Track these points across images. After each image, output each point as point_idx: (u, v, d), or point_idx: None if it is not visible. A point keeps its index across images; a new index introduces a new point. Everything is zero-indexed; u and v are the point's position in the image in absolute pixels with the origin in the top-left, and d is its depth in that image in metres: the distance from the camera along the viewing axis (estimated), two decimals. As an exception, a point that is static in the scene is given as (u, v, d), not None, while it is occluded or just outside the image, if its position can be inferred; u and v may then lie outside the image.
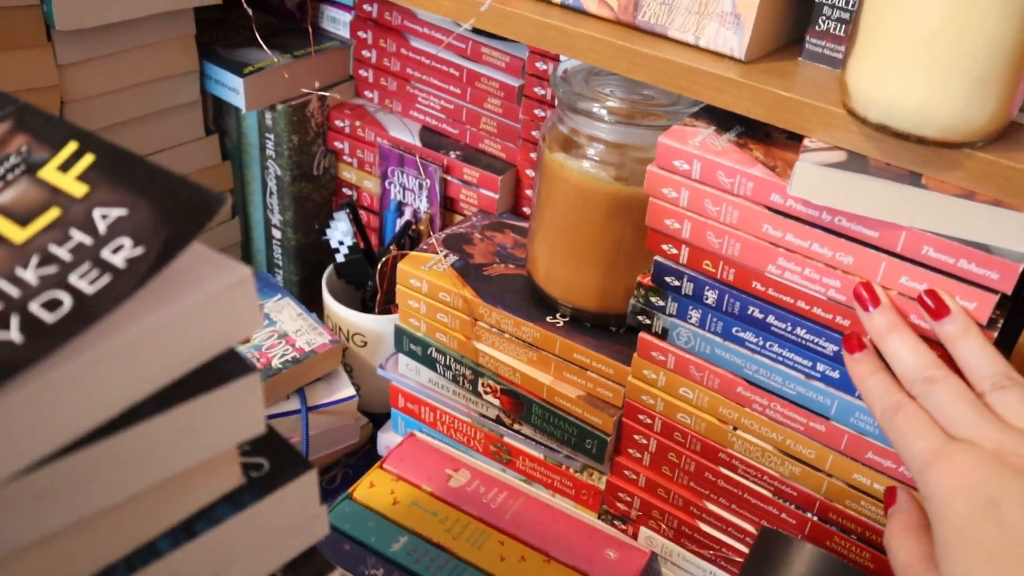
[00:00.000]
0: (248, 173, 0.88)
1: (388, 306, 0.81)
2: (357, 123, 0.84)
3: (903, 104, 0.44)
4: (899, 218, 0.47)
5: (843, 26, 0.52)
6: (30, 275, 0.29)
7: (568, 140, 0.63)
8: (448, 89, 0.79)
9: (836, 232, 0.49)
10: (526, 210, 0.80)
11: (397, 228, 0.84)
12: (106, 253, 0.30)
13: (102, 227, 0.31)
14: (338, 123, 0.85)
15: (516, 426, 0.71)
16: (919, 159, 0.46)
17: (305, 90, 0.82)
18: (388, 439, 0.80)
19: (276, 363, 0.74)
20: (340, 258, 0.83)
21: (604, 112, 0.60)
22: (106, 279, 0.29)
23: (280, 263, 0.91)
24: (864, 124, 0.46)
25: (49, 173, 0.34)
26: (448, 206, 0.81)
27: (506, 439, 0.72)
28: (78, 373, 0.28)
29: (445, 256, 0.71)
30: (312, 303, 0.91)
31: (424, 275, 0.70)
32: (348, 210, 0.81)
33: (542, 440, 0.70)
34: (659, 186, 0.55)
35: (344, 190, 0.89)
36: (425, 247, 0.72)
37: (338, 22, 0.85)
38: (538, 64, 0.73)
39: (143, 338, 0.29)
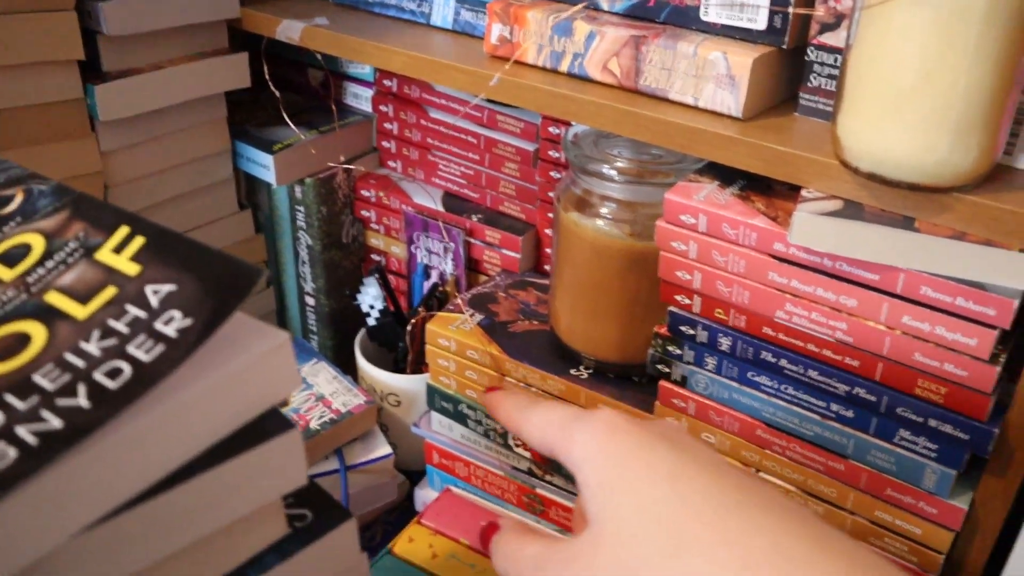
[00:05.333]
0: (280, 244, 0.92)
1: (419, 366, 0.83)
2: (382, 192, 0.88)
3: (890, 155, 0.46)
4: (895, 261, 0.49)
5: (833, 82, 0.55)
6: (93, 347, 0.33)
7: (582, 200, 0.66)
8: (467, 156, 0.83)
9: (838, 276, 0.52)
10: (547, 268, 0.83)
11: (425, 291, 0.87)
12: (159, 325, 0.33)
13: (154, 302, 0.34)
14: (364, 193, 0.89)
15: (548, 477, 0.73)
16: (911, 204, 0.49)
17: (331, 164, 0.87)
18: (425, 495, 0.82)
19: (314, 425, 0.77)
20: (372, 322, 0.86)
21: (614, 173, 0.63)
22: (160, 348, 0.32)
23: (315, 329, 0.94)
24: (856, 174, 0.49)
25: (105, 255, 0.38)
26: (472, 267, 0.85)
27: (538, 490, 0.74)
28: (138, 434, 0.31)
29: (471, 315, 0.74)
30: (346, 366, 0.94)
31: (452, 335, 0.73)
32: (377, 275, 0.85)
33: (574, 490, 0.72)
34: (669, 239, 0.58)
35: (373, 256, 0.93)
36: (452, 308, 0.76)
37: (360, 97, 0.90)
38: (551, 129, 0.76)
39: (195, 401, 0.32)
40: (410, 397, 0.83)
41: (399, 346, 0.86)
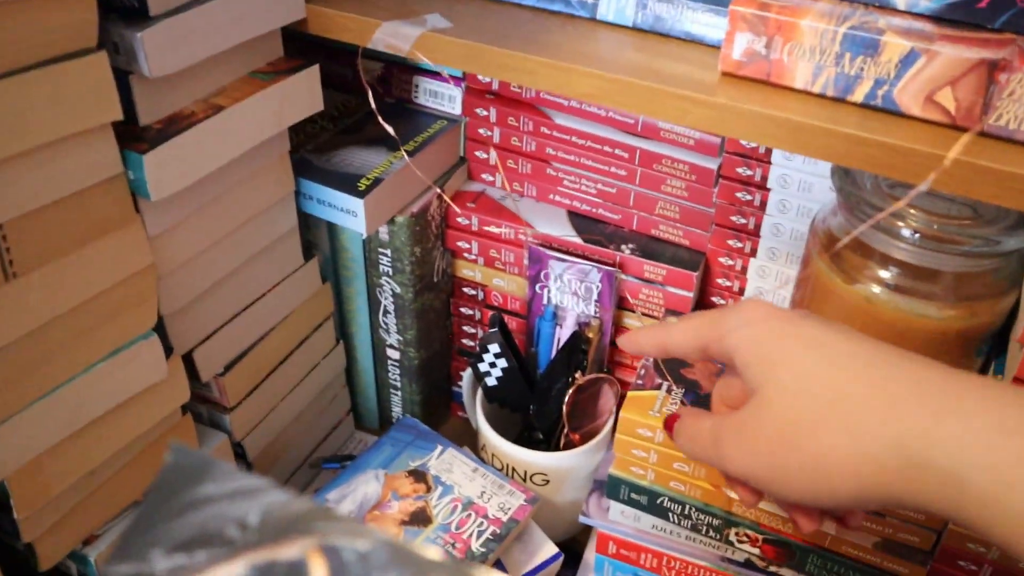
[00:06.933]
0: (349, 291, 0.72)
1: (571, 437, 0.68)
2: (487, 218, 0.69)
3: None
4: None
5: None
6: None
7: (852, 254, 0.51)
8: (608, 171, 0.65)
9: None
10: (715, 300, 0.67)
11: (556, 339, 0.70)
12: None
13: None
14: (461, 220, 0.70)
15: (772, 569, 0.61)
16: None
17: (422, 192, 0.66)
18: (590, 586, 0.68)
19: (476, 546, 0.61)
20: (492, 381, 0.69)
21: (913, 234, 0.48)
22: None
23: (398, 384, 0.76)
24: None
25: None
26: (618, 305, 0.68)
27: (759, 582, 0.62)
28: None
29: (670, 392, 0.59)
30: (433, 420, 0.78)
31: (658, 424, 0.57)
32: (498, 328, 0.67)
33: (811, 584, 0.60)
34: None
35: (464, 290, 0.74)
36: (641, 382, 0.60)
37: (441, 96, 0.69)
38: (743, 141, 0.59)
39: None
40: (561, 475, 0.68)
41: (530, 409, 0.69)
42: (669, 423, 0.45)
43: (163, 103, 0.51)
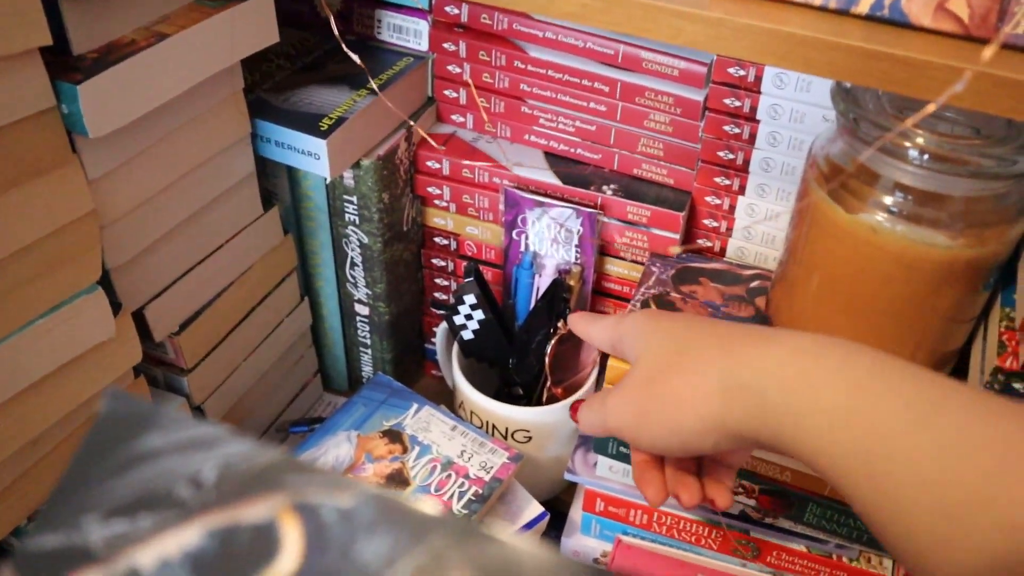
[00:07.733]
0: (313, 243, 0.67)
1: (554, 392, 0.64)
2: (462, 162, 0.64)
3: None
4: None
5: None
6: None
7: (858, 185, 0.47)
8: (587, 107, 0.61)
9: None
10: (702, 242, 0.64)
11: (535, 288, 0.66)
12: None
13: None
14: (431, 164, 0.65)
15: (769, 520, 0.58)
16: None
17: (390, 133, 0.62)
18: (577, 544, 0.65)
19: (458, 509, 0.57)
20: (468, 334, 0.65)
21: (920, 154, 0.45)
22: None
23: (368, 342, 0.72)
24: None
25: None
26: (600, 250, 0.65)
27: (753, 534, 0.59)
28: None
29: (659, 338, 0.55)
30: (406, 377, 0.74)
31: (648, 372, 0.54)
32: (473, 278, 0.63)
33: (808, 533, 0.58)
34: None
35: (436, 240, 0.70)
36: (628, 329, 0.56)
37: (406, 31, 0.64)
38: (730, 70, 0.56)
39: None
40: (545, 431, 0.64)
41: (510, 362, 0.66)
42: (574, 408, 0.51)
43: (99, 30, 0.46)
